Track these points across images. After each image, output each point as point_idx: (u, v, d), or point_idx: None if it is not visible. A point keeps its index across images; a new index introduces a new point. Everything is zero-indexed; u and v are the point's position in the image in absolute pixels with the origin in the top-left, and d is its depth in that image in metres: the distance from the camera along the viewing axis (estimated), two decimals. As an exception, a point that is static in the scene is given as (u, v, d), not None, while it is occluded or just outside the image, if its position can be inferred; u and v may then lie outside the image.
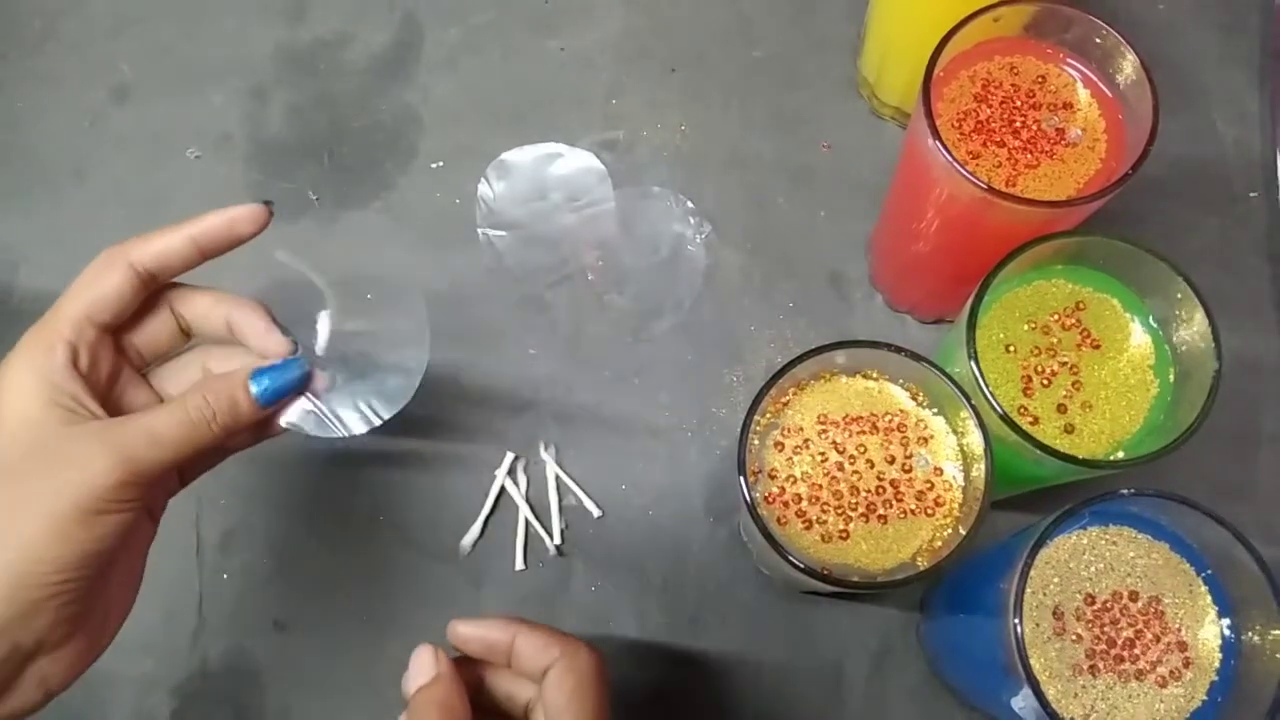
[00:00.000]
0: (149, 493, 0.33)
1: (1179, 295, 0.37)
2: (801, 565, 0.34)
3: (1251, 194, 0.53)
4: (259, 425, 0.37)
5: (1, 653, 0.31)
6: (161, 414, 0.34)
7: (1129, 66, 0.39)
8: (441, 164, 0.56)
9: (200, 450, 0.34)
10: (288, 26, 0.59)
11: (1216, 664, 0.34)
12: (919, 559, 0.37)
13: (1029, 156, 0.40)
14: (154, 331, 0.37)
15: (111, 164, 0.56)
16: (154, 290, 0.36)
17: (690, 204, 0.53)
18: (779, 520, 0.37)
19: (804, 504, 0.37)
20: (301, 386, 0.37)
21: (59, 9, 0.60)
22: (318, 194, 0.55)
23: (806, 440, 0.38)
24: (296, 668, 0.47)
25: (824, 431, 0.38)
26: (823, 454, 0.38)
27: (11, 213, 0.55)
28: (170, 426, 0.33)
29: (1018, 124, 0.40)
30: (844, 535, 0.37)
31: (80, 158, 0.56)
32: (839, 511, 0.37)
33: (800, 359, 0.37)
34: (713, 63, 0.57)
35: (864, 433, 0.38)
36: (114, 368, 0.36)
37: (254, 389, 0.35)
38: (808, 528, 0.37)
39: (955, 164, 0.37)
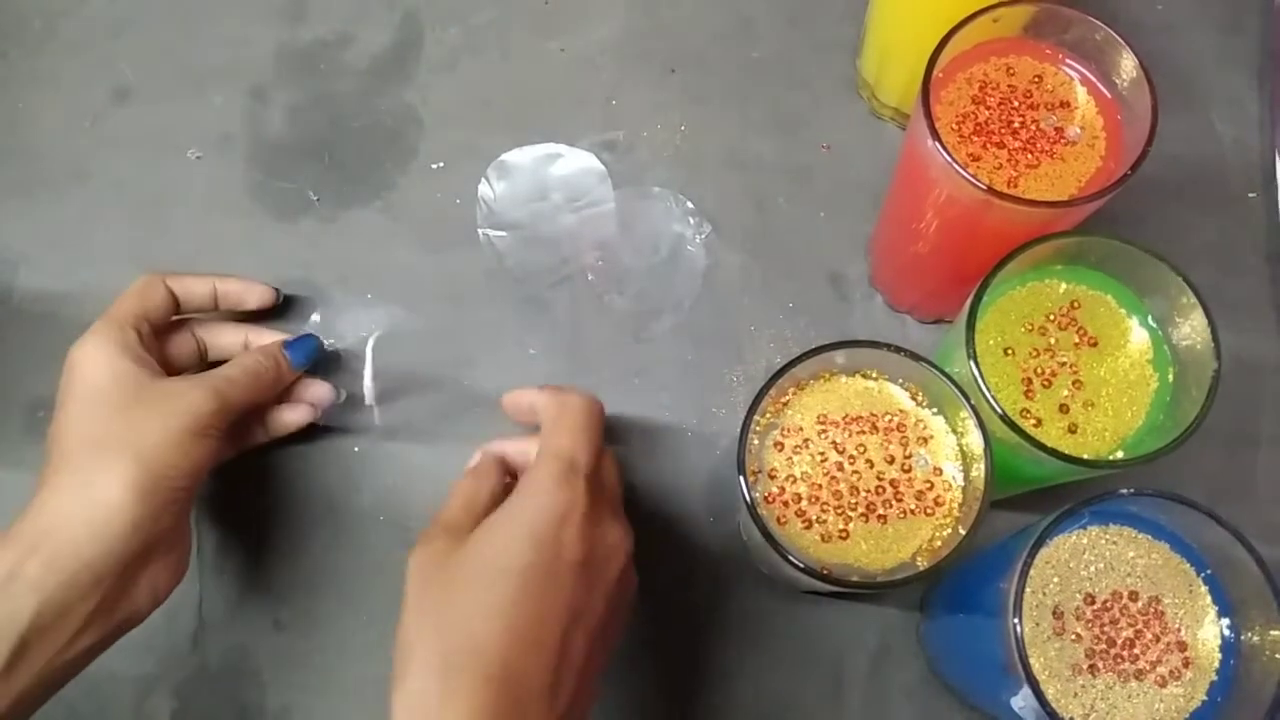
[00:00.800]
0: (227, 425, 0.42)
1: (1178, 295, 0.37)
2: (801, 565, 0.34)
3: (1250, 194, 0.53)
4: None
5: (139, 545, 0.38)
6: (231, 367, 0.44)
7: (1128, 67, 0.39)
8: (441, 164, 0.56)
9: (258, 395, 0.44)
10: (288, 27, 0.59)
11: (1216, 664, 0.35)
12: (919, 559, 0.37)
13: (1029, 156, 0.40)
14: (180, 348, 0.47)
15: (112, 164, 0.56)
16: (179, 315, 0.47)
17: (690, 204, 0.53)
18: (779, 520, 0.37)
19: (804, 504, 0.37)
20: (318, 354, 0.48)
21: (59, 9, 0.60)
22: (318, 194, 0.55)
23: (806, 440, 0.38)
24: (296, 668, 0.47)
25: (824, 431, 0.38)
26: (822, 454, 0.38)
27: (11, 213, 0.55)
28: (239, 373, 0.43)
29: (1016, 124, 0.40)
30: (844, 535, 0.37)
31: (81, 158, 0.56)
32: (839, 511, 0.37)
33: (800, 359, 0.37)
34: (713, 63, 0.57)
35: (864, 433, 0.38)
36: (160, 359, 0.44)
37: (287, 353, 0.46)
38: (807, 527, 0.37)
39: (955, 165, 0.37)
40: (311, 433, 0.49)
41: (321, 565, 0.48)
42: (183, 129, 0.57)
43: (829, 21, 0.58)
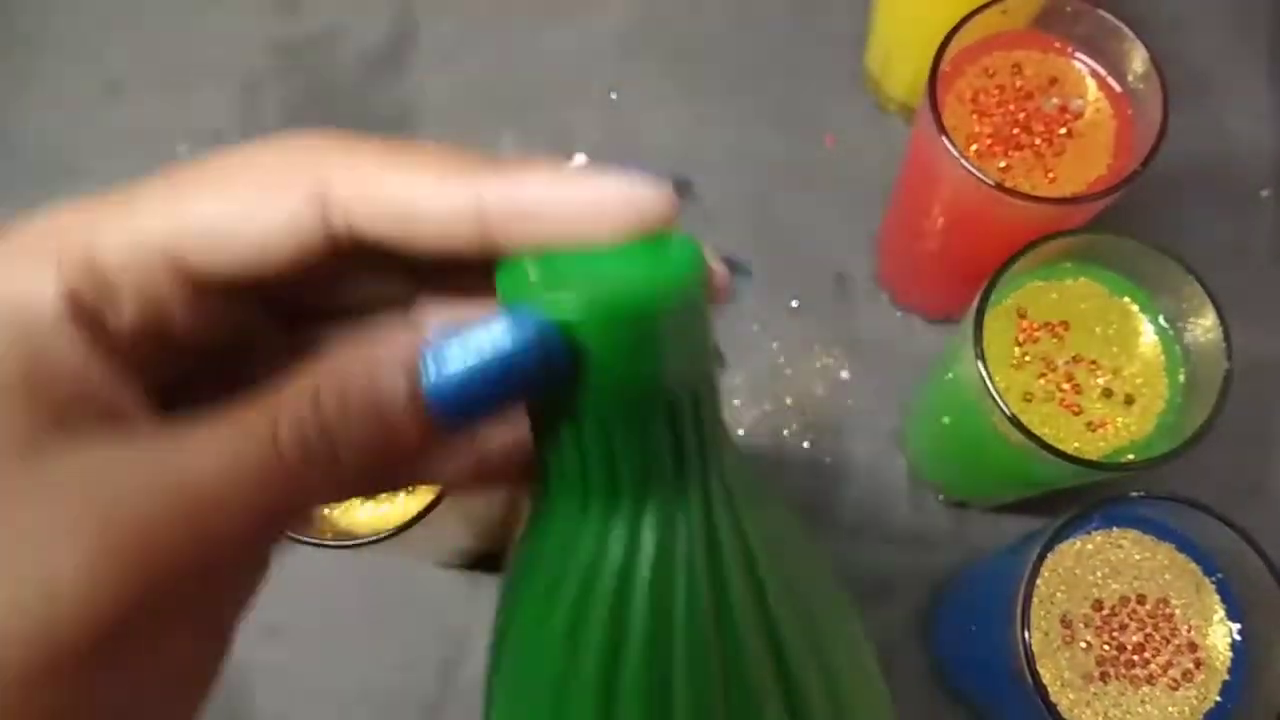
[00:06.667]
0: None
1: (1189, 294, 0.36)
2: None
3: (1263, 192, 0.52)
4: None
5: None
6: (206, 441, 0.16)
7: (1138, 62, 0.38)
8: (438, 160, 0.55)
9: (291, 511, 0.17)
10: (280, 20, 0.58)
11: (1228, 664, 0.34)
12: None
13: (1052, 146, 0.39)
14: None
15: (103, 160, 0.55)
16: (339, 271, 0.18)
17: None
18: None
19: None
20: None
21: (49, 5, 0.59)
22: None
23: None
24: (291, 673, 0.46)
25: None
26: None
27: (1, 210, 0.55)
28: (217, 467, 0.15)
29: (1021, 117, 0.39)
30: None
31: (71, 155, 0.55)
32: None
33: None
34: (715, 56, 0.56)
35: None
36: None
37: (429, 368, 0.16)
38: None
39: (962, 159, 0.36)
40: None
41: (316, 568, 0.48)
42: (174, 125, 0.56)
43: (834, 14, 0.57)
